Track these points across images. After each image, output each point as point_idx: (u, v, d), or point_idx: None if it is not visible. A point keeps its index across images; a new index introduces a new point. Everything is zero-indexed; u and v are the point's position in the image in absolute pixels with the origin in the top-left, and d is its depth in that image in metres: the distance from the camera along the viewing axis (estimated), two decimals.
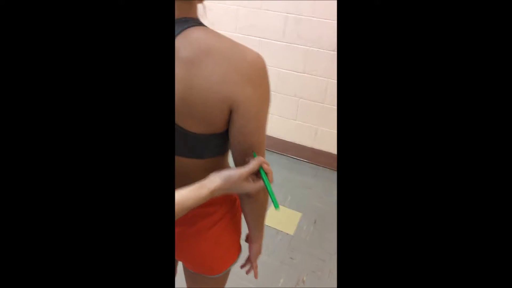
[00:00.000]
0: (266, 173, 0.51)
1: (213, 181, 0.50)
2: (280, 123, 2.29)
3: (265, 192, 0.60)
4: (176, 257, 0.71)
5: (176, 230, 0.65)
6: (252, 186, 0.50)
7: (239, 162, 0.55)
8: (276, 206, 0.52)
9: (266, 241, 1.56)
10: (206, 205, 0.63)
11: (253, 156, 0.52)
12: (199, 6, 0.49)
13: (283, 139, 2.31)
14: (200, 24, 0.48)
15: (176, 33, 0.46)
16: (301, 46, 2.01)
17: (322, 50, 1.96)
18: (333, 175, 2.17)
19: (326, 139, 2.21)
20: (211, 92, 0.46)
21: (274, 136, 2.31)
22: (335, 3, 1.83)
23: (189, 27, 0.46)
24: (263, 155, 0.55)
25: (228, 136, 0.54)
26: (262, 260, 1.47)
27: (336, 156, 2.18)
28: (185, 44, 0.45)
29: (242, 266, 0.79)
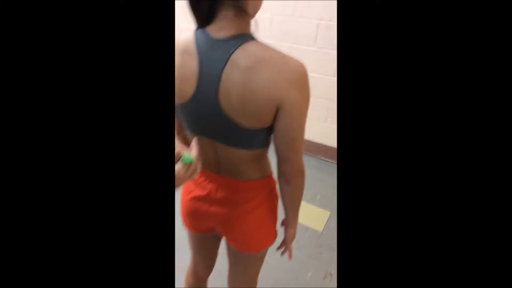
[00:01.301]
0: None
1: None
2: (311, 125, 2.36)
3: (302, 178, 0.70)
4: (222, 234, 0.83)
5: (222, 210, 0.76)
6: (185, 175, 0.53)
7: (281, 154, 0.66)
8: (187, 160, 0.52)
9: (296, 236, 1.64)
10: (247, 190, 0.74)
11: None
12: (252, 22, 0.60)
13: (313, 141, 2.38)
14: (253, 38, 0.59)
15: (236, 46, 0.57)
16: (333, 51, 2.08)
17: None
18: None
19: None
20: (264, 93, 0.56)
21: (305, 138, 2.39)
22: None
23: (246, 41, 0.57)
24: (301, 149, 0.66)
25: (271, 131, 0.65)
26: (293, 255, 1.55)
27: None
28: (244, 55, 0.56)
29: (278, 248, 0.89)
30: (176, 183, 0.52)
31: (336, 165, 2.29)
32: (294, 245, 1.60)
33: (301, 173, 0.69)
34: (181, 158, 0.53)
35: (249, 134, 0.63)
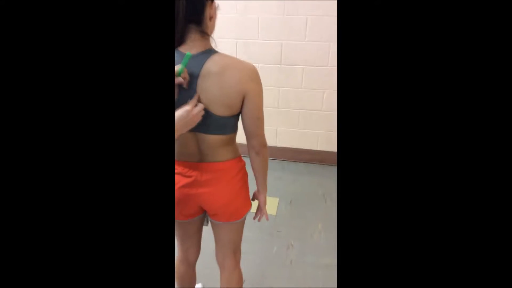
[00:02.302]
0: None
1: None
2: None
3: (267, 150, 0.94)
4: (208, 211, 1.00)
5: (207, 190, 0.94)
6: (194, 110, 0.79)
7: (249, 131, 0.89)
8: (181, 71, 0.75)
9: (255, 223, 1.87)
10: (224, 169, 0.94)
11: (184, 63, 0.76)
12: (211, 40, 0.84)
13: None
14: (216, 52, 0.82)
15: (206, 58, 0.79)
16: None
17: None
18: (297, 167, 2.57)
19: (286, 137, 2.61)
20: (233, 88, 0.80)
21: None
22: None
23: (212, 54, 0.81)
24: (263, 127, 0.90)
25: (238, 119, 0.88)
26: (255, 236, 1.76)
27: (296, 149, 2.59)
28: (213, 64, 0.80)
29: (255, 217, 1.10)
30: (190, 124, 0.78)
31: (277, 161, 2.60)
32: (256, 229, 1.81)
33: (265, 146, 0.93)
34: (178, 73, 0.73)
35: (224, 121, 0.86)
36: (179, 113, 0.78)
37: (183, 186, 0.95)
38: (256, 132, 0.90)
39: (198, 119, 0.81)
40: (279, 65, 2.41)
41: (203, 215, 1.07)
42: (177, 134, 0.78)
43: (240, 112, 0.87)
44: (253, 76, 0.83)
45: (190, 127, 0.81)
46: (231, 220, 1.01)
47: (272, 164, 2.56)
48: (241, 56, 2.40)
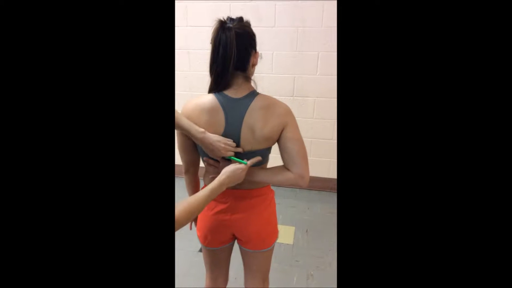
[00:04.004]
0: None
1: (219, 177, 0.86)
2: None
3: (300, 181, 0.97)
4: (240, 238, 1.04)
5: (242, 216, 0.99)
6: (240, 171, 0.87)
7: (290, 159, 0.91)
8: (244, 163, 0.87)
9: (274, 253, 1.87)
10: (258, 195, 0.99)
11: (238, 161, 0.88)
12: (252, 82, 0.94)
13: None
14: (259, 93, 0.92)
15: (252, 99, 0.89)
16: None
17: None
18: (310, 194, 2.60)
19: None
20: (276, 120, 0.89)
21: None
22: None
23: (256, 95, 0.91)
24: (306, 156, 0.93)
25: (270, 150, 0.95)
26: (275, 267, 1.76)
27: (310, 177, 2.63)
28: (258, 103, 0.89)
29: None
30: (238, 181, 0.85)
31: (290, 189, 2.64)
32: (274, 261, 1.81)
33: (302, 177, 0.91)
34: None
35: (261, 153, 0.92)
36: (230, 169, 0.86)
37: (218, 212, 0.99)
38: (298, 162, 0.89)
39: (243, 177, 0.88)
40: (291, 97, 2.52)
41: (233, 243, 1.10)
42: (223, 189, 0.85)
43: (277, 143, 0.94)
44: (290, 111, 0.93)
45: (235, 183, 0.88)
46: (262, 248, 1.05)
47: (285, 192, 2.59)
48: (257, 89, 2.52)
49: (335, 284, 1.65)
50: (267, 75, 2.52)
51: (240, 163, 0.88)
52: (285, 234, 2.07)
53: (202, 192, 0.80)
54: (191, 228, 1.17)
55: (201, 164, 1.04)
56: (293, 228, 2.14)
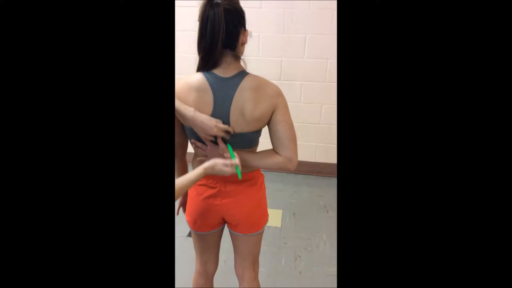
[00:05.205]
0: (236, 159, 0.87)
1: (205, 163, 0.86)
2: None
3: (288, 164, 0.96)
4: (230, 222, 1.03)
5: (231, 200, 0.98)
6: (228, 171, 0.86)
7: (279, 142, 0.90)
8: (240, 176, 0.87)
9: (263, 236, 1.90)
10: (248, 180, 0.98)
11: (230, 154, 0.87)
12: (242, 62, 0.90)
13: None
14: (248, 73, 0.89)
15: (241, 79, 0.85)
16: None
17: None
18: (297, 178, 2.62)
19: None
20: (266, 102, 0.86)
21: None
22: None
23: (246, 75, 0.87)
24: (295, 140, 0.92)
25: (260, 133, 0.93)
26: (263, 249, 1.79)
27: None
28: (248, 83, 0.86)
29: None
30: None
31: (277, 173, 2.65)
32: (264, 242, 1.84)
33: (290, 161, 0.90)
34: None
35: (251, 136, 0.91)
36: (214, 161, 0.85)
37: (208, 197, 0.98)
38: (287, 145, 0.89)
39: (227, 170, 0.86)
40: (278, 81, 2.49)
41: (223, 227, 1.10)
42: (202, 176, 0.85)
43: (267, 125, 0.92)
44: (281, 93, 0.91)
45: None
46: (252, 231, 1.05)
47: (272, 176, 2.60)
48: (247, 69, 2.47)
49: (322, 265, 1.70)
50: (254, 58, 2.47)
51: (230, 156, 0.87)
52: (273, 217, 2.10)
53: (187, 175, 0.84)
54: (178, 214, 1.15)
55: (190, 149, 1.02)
56: (281, 211, 2.17)
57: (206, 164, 0.86)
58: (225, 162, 0.85)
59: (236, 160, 0.86)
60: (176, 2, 2.39)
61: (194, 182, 0.84)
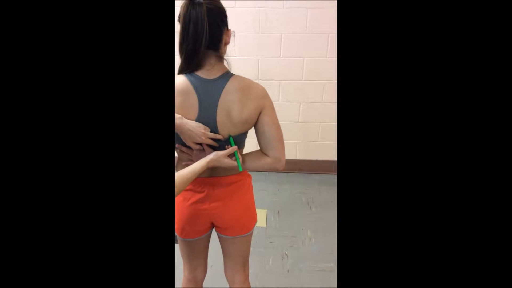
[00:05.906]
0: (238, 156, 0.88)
1: (208, 156, 0.86)
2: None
3: (277, 164, 0.95)
4: (219, 226, 1.01)
5: (219, 203, 0.96)
6: (230, 162, 0.87)
7: (266, 143, 0.89)
8: (240, 169, 0.88)
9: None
10: (235, 182, 0.97)
11: (231, 144, 0.86)
12: (225, 62, 0.88)
13: None
14: (233, 74, 0.87)
15: (226, 81, 0.83)
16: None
17: None
18: (279, 176, 2.64)
19: None
20: (253, 103, 0.84)
21: None
22: None
23: (231, 77, 0.85)
24: (283, 140, 0.92)
25: (247, 135, 0.91)
26: (251, 251, 1.78)
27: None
28: (233, 85, 0.84)
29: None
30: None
31: (258, 172, 2.64)
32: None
33: (279, 161, 0.90)
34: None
35: (239, 139, 0.89)
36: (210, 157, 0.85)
37: (195, 202, 0.96)
38: (275, 145, 0.88)
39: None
40: (256, 80, 2.49)
41: (210, 232, 1.08)
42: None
43: (253, 127, 0.90)
44: (267, 93, 0.90)
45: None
46: (242, 233, 1.04)
47: (255, 176, 2.57)
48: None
49: (310, 262, 1.71)
50: (231, 57, 2.44)
51: (235, 159, 0.88)
52: (258, 217, 2.07)
53: (191, 167, 0.83)
54: None
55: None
56: (265, 210, 2.16)
57: (210, 157, 0.85)
58: (227, 153, 0.86)
59: (238, 153, 0.87)
60: (176, 2, 2.35)
61: (197, 174, 0.82)
